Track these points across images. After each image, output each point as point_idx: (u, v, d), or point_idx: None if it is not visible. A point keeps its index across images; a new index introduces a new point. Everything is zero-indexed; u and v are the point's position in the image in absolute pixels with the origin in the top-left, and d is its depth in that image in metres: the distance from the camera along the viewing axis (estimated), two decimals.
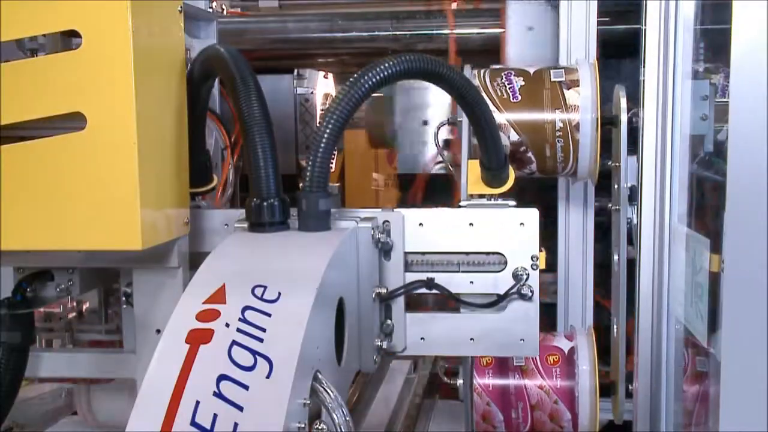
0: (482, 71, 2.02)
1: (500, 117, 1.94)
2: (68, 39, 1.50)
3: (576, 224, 2.37)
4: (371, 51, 2.82)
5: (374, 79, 1.37)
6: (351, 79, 1.38)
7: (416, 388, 2.49)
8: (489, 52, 2.68)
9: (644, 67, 1.95)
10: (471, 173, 1.64)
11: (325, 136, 1.34)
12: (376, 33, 2.76)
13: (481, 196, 1.61)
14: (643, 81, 1.96)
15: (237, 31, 2.90)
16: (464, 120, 1.76)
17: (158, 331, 1.52)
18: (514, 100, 1.96)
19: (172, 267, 1.50)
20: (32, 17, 1.29)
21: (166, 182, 1.40)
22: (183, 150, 1.47)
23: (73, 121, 1.29)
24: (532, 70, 2.02)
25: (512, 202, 1.53)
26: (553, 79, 1.98)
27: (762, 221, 1.23)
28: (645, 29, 1.95)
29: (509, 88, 1.97)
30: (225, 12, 3.01)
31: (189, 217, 1.49)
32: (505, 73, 2.01)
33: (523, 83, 1.98)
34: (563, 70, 2.00)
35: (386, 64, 1.38)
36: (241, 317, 1.06)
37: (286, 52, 2.90)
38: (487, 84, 1.98)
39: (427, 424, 2.23)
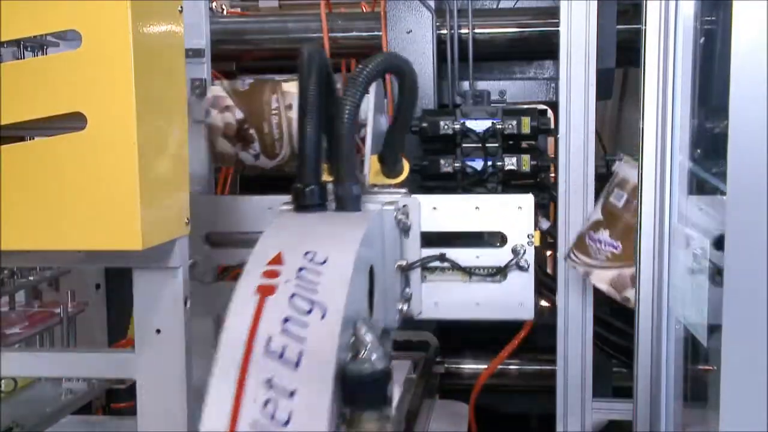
0: None
1: None
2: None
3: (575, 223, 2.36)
4: (372, 52, 2.82)
5: (376, 70, 1.61)
6: (353, 74, 1.59)
7: (416, 388, 2.49)
8: None
9: (644, 67, 1.95)
10: (372, 167, 1.88)
11: (343, 130, 1.56)
12: (377, 33, 2.76)
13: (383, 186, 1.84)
14: (643, 81, 1.96)
15: (237, 31, 2.90)
16: (368, 122, 1.94)
17: (158, 331, 1.52)
18: None
19: (172, 267, 1.50)
20: (32, 17, 1.29)
21: (166, 182, 1.40)
22: (183, 150, 1.47)
23: (73, 121, 1.29)
24: None
25: (403, 190, 1.77)
26: None
27: (762, 221, 1.23)
28: (645, 29, 1.94)
29: None
30: (225, 12, 3.01)
31: (189, 216, 1.49)
32: None
33: None
34: None
35: (383, 57, 1.65)
36: (298, 275, 1.29)
37: (286, 52, 2.89)
38: None
39: (427, 424, 2.22)
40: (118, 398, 2.74)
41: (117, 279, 2.82)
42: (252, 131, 2.08)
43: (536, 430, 3.06)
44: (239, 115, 2.08)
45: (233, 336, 1.21)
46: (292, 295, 1.26)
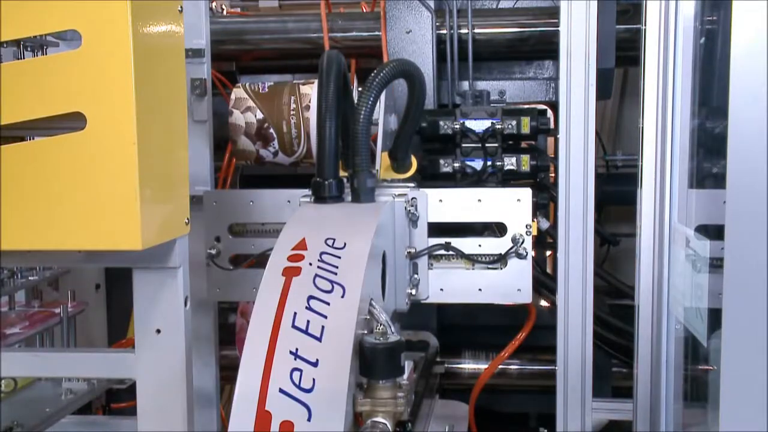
0: None
1: None
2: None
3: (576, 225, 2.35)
4: (372, 51, 2.82)
5: (389, 75, 1.73)
6: (368, 80, 1.71)
7: (416, 388, 2.48)
8: None
9: (644, 66, 1.95)
10: (383, 162, 2.00)
11: (359, 129, 1.69)
12: (376, 33, 2.76)
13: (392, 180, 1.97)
14: (643, 81, 1.96)
15: (237, 31, 2.89)
16: (380, 122, 2.06)
17: (158, 331, 1.52)
18: None
19: (172, 267, 1.50)
20: (32, 17, 1.29)
21: (166, 182, 1.40)
22: (183, 150, 1.47)
23: (73, 121, 1.29)
24: None
25: (412, 184, 1.90)
26: None
27: (762, 221, 1.23)
28: (645, 29, 1.94)
29: None
30: (225, 12, 3.01)
31: (189, 216, 1.49)
32: None
33: None
34: None
35: (395, 63, 1.79)
36: (320, 258, 1.43)
37: (286, 52, 2.89)
38: None
39: (427, 424, 2.22)
40: (118, 398, 2.74)
41: (117, 279, 2.83)
42: (271, 130, 2.19)
43: (536, 430, 3.06)
44: (260, 115, 2.19)
45: (263, 312, 1.33)
46: (315, 276, 1.39)
